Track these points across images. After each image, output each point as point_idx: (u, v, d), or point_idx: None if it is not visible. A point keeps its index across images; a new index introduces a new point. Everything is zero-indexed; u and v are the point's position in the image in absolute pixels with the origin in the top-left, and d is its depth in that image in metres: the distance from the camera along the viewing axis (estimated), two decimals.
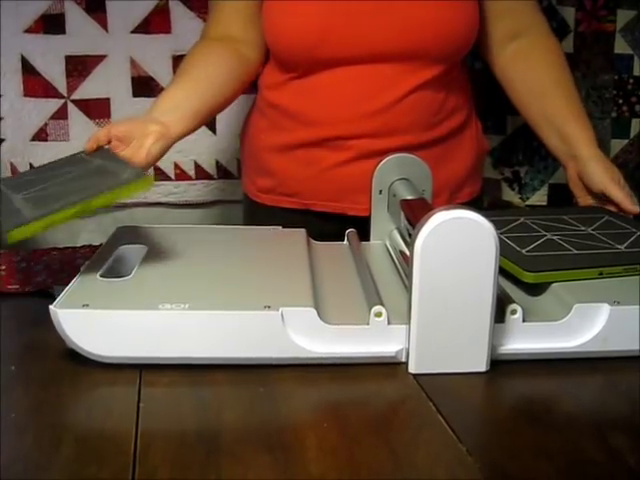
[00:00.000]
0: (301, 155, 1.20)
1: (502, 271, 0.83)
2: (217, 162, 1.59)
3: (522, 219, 1.01)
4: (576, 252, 0.89)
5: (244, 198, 1.35)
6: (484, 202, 1.41)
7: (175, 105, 1.09)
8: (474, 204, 1.29)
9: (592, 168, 1.12)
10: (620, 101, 1.65)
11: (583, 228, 0.98)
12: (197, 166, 1.59)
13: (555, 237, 0.94)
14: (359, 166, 1.09)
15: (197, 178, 1.60)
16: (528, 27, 1.22)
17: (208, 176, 1.60)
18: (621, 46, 1.62)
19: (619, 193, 1.08)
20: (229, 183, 1.61)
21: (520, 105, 1.23)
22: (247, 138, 1.30)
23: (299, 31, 1.12)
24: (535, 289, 0.84)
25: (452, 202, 1.22)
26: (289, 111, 1.20)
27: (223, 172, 1.60)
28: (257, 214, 1.30)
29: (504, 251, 0.84)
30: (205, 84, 1.14)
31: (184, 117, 1.09)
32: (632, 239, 0.94)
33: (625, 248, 0.91)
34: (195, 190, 1.60)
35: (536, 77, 1.20)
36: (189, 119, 1.09)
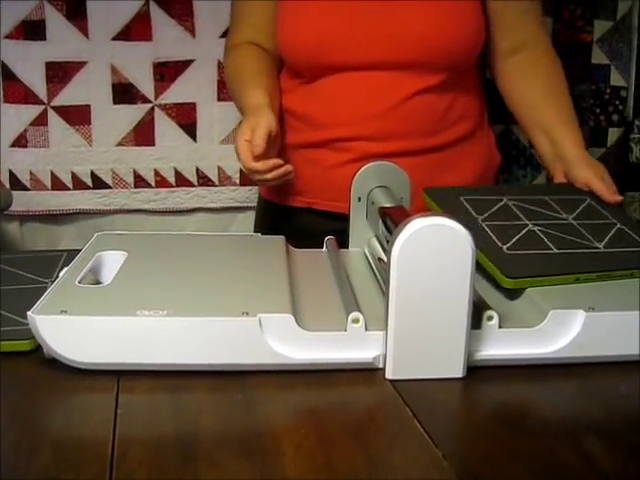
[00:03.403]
0: (306, 155, 1.25)
1: (481, 269, 0.83)
2: (197, 169, 1.59)
3: (505, 200, 1.01)
4: (556, 251, 0.90)
5: (258, 196, 1.42)
6: None
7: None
8: None
9: (577, 166, 1.14)
10: (597, 110, 1.66)
11: (565, 216, 0.99)
12: (177, 173, 1.58)
13: (536, 228, 0.94)
14: (357, 167, 1.10)
15: (177, 185, 1.59)
16: (529, 42, 1.25)
17: (188, 183, 1.60)
18: (598, 56, 1.64)
19: (600, 185, 1.09)
20: (209, 190, 1.61)
21: (517, 114, 1.27)
22: None
23: (302, 38, 1.18)
24: (511, 291, 0.85)
25: None
26: (297, 113, 1.26)
27: (203, 179, 1.59)
28: (265, 211, 1.37)
29: (485, 246, 0.85)
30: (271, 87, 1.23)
31: None
32: (611, 233, 0.96)
33: (604, 247, 0.92)
34: (175, 197, 1.60)
35: (531, 89, 1.24)
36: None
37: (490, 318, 0.76)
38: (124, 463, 0.59)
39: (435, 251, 0.70)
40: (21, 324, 0.79)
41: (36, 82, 1.50)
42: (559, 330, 0.77)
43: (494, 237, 0.91)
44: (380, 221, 0.91)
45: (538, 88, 1.24)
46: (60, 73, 1.50)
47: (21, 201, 1.53)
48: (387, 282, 0.72)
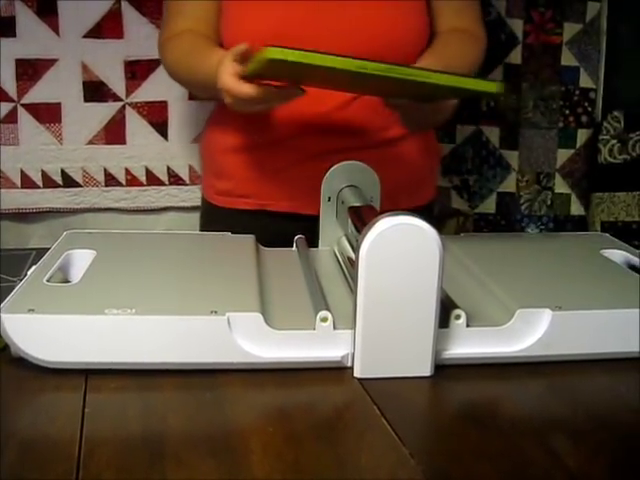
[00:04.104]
0: (254, 156, 1.22)
1: None
2: (168, 168, 1.59)
3: None
4: None
5: (202, 201, 1.36)
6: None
7: None
8: (431, 207, 1.31)
9: None
10: (567, 112, 1.68)
11: None
12: (148, 172, 1.58)
13: None
14: (309, 166, 1.09)
15: (148, 184, 1.59)
16: (465, 30, 1.23)
17: (159, 182, 1.60)
18: (567, 58, 1.66)
19: None
20: (180, 189, 1.61)
21: None
22: (205, 141, 1.32)
23: (252, 36, 1.12)
24: (479, 290, 0.85)
25: (410, 205, 1.23)
26: (242, 113, 1.21)
27: (174, 178, 1.59)
28: (213, 216, 1.31)
29: None
30: None
31: None
32: None
33: None
34: (146, 196, 1.60)
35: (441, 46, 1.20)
36: None
37: (458, 317, 0.76)
38: (91, 462, 0.59)
39: (403, 250, 0.70)
40: None
41: (6, 79, 1.49)
42: (526, 329, 0.77)
43: None
44: (350, 220, 0.92)
45: (447, 49, 1.19)
46: (30, 70, 1.49)
47: None
48: (355, 281, 0.72)
